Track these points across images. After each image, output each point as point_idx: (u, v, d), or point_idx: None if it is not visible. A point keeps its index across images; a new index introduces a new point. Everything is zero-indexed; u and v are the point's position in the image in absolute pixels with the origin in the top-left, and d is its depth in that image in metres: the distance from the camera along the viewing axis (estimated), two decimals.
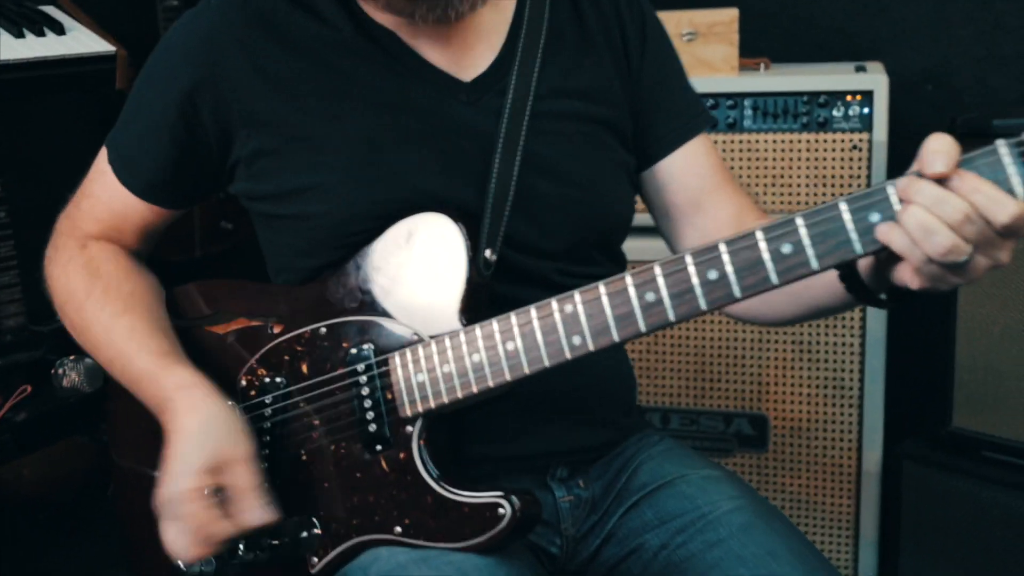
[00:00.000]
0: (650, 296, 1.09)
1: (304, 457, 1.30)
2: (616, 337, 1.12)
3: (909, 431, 2.22)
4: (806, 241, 1.03)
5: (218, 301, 1.39)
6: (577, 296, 1.13)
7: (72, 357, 1.82)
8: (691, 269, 1.07)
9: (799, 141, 2.25)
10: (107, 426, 1.48)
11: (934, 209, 0.96)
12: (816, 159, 2.25)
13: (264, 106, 1.28)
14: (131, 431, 1.43)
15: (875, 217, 1.00)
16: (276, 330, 1.32)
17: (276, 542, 1.26)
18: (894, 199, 0.99)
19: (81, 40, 1.83)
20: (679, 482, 1.33)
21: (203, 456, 1.19)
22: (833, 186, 2.23)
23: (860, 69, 2.33)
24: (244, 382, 1.33)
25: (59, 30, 1.84)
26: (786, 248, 1.03)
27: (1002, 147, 0.96)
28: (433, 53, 1.31)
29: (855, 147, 2.21)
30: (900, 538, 2.15)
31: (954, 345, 2.08)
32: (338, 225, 1.28)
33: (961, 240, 0.96)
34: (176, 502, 1.19)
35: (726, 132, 2.28)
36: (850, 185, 2.22)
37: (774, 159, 2.26)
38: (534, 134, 1.29)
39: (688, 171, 1.40)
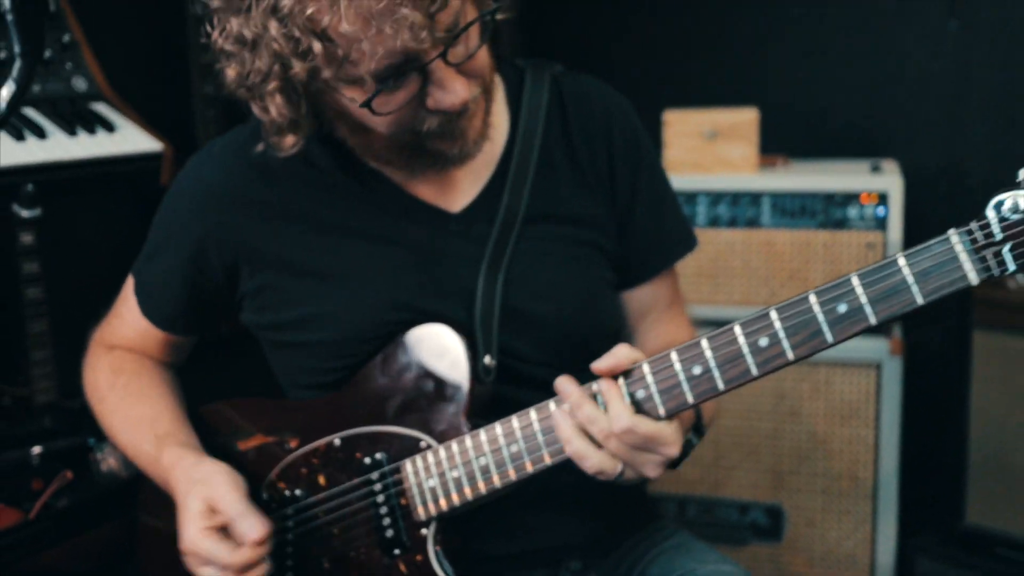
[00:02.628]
0: (640, 394, 1.17)
1: (327, 566, 1.35)
2: None
3: (923, 526, 2.26)
4: (781, 334, 1.10)
5: (242, 417, 1.47)
6: (554, 407, 1.20)
7: (110, 445, 1.88)
8: (677, 366, 1.15)
9: (815, 239, 2.31)
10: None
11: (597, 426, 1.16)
12: (832, 256, 2.31)
13: (266, 247, 1.37)
14: (155, 491, 1.51)
15: (843, 308, 1.08)
16: (292, 445, 1.39)
17: None
18: (859, 289, 1.08)
19: (129, 138, 1.92)
20: (691, 573, 1.38)
21: (197, 505, 1.28)
22: None
23: (876, 168, 2.41)
24: (266, 495, 1.39)
25: (109, 128, 1.93)
26: (763, 341, 1.10)
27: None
28: (423, 189, 1.38)
29: (869, 246, 2.28)
30: None
31: (967, 441, 2.13)
32: (340, 348, 1.36)
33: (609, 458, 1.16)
34: (194, 551, 1.27)
35: (745, 228, 2.35)
36: None
37: (791, 255, 2.33)
38: (523, 256, 1.36)
39: (652, 297, 1.49)
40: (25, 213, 1.82)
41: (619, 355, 1.16)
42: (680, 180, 2.32)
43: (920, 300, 1.06)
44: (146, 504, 1.53)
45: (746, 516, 2.37)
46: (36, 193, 1.82)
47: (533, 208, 1.38)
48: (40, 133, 1.84)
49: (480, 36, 1.22)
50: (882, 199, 2.28)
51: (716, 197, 2.37)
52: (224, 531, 1.28)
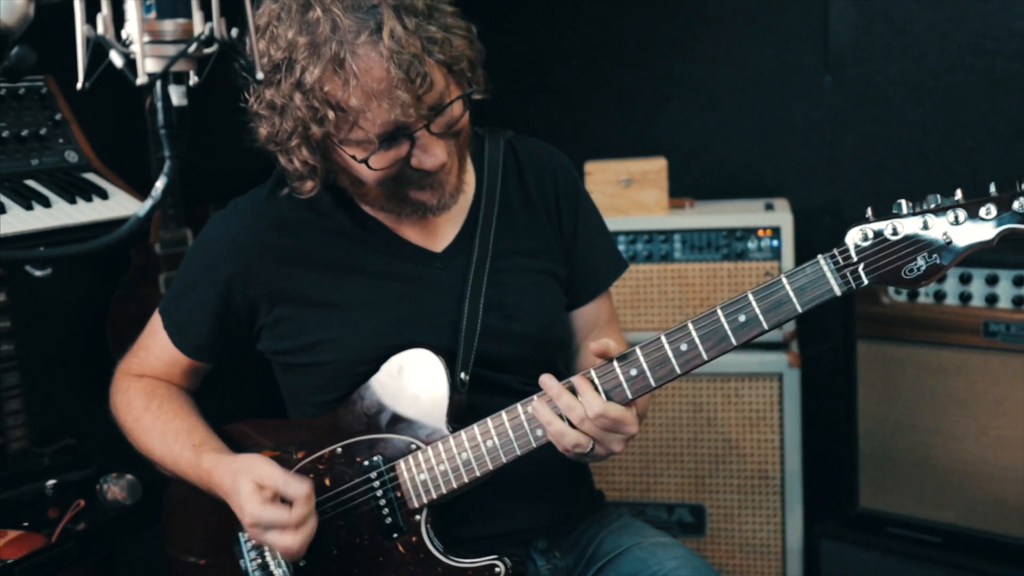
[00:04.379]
0: (610, 383, 1.47)
1: (335, 552, 1.63)
2: None
3: (824, 513, 2.59)
4: (697, 340, 1.44)
5: (252, 436, 1.74)
6: (535, 399, 1.52)
7: (114, 474, 2.11)
8: (618, 370, 1.47)
9: (721, 269, 2.66)
10: (164, 526, 1.80)
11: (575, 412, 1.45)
12: (735, 284, 2.66)
13: (283, 285, 1.67)
14: (181, 529, 1.76)
15: (742, 317, 1.43)
16: (299, 455, 1.67)
17: None
18: (754, 303, 1.42)
19: (123, 203, 2.16)
20: (634, 548, 1.69)
21: (247, 487, 1.54)
22: None
23: (769, 207, 2.77)
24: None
25: (103, 195, 2.17)
26: (683, 347, 1.44)
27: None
28: (411, 233, 1.70)
29: (767, 274, 2.63)
30: None
31: (857, 438, 2.47)
32: (346, 368, 1.65)
33: (581, 437, 1.44)
34: (257, 521, 1.52)
35: (660, 262, 2.69)
36: None
37: (701, 284, 2.67)
38: (495, 286, 1.68)
39: (594, 316, 1.83)
40: (37, 273, 2.05)
41: (607, 345, 1.46)
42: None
43: (799, 308, 1.40)
44: (170, 540, 1.78)
45: (673, 515, 2.68)
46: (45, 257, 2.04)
47: (499, 246, 1.70)
48: (45, 202, 2.08)
49: (461, 110, 1.54)
50: (776, 233, 2.64)
51: (634, 236, 2.71)
52: (275, 500, 1.53)
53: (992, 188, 1.35)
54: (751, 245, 2.65)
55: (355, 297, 1.66)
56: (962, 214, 1.35)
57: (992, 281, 2.27)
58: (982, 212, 1.34)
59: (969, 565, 2.31)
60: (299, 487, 1.53)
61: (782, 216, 2.66)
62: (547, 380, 1.49)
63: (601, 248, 1.84)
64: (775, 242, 2.64)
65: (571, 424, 1.47)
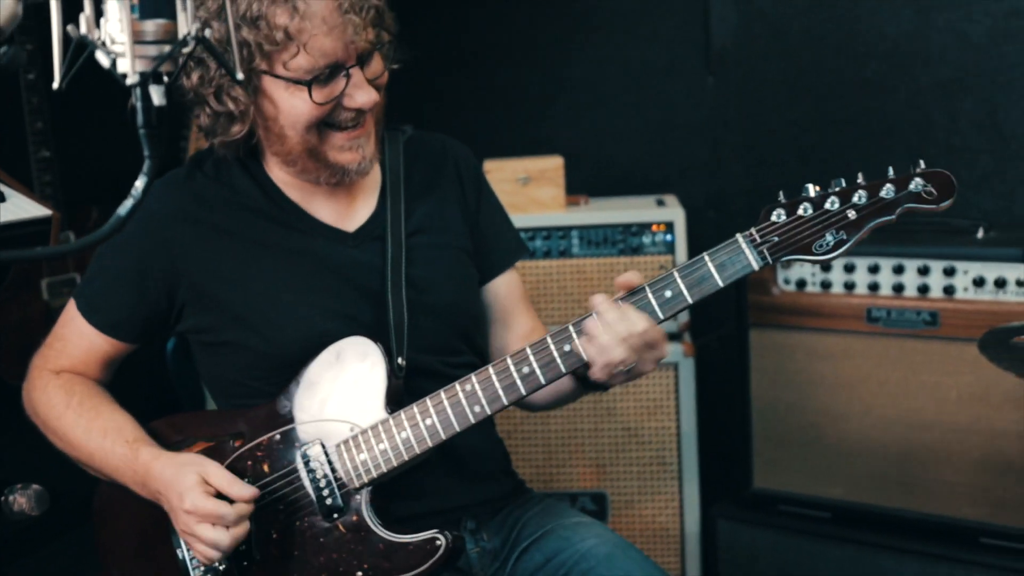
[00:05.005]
0: (525, 369, 1.56)
1: (275, 535, 1.64)
2: (505, 401, 1.58)
3: (720, 495, 2.71)
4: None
5: (184, 429, 1.74)
6: (473, 377, 1.59)
7: (20, 485, 2.04)
8: (552, 348, 1.55)
9: (617, 263, 2.75)
10: (95, 526, 1.77)
11: (617, 331, 1.48)
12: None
13: (201, 258, 1.70)
14: (114, 527, 1.75)
15: (668, 293, 1.52)
16: (237, 444, 1.67)
17: None
18: (679, 280, 1.51)
19: (22, 206, 2.09)
20: (557, 528, 1.76)
21: (191, 479, 1.55)
22: None
23: (660, 202, 2.87)
24: None
25: (1, 198, 2.10)
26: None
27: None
28: (323, 212, 1.76)
29: (662, 267, 2.73)
30: None
31: (750, 422, 2.59)
32: (274, 348, 1.68)
33: (630, 352, 1.48)
34: (195, 510, 1.53)
35: (559, 258, 2.76)
36: None
37: (599, 279, 2.75)
38: (416, 261, 1.75)
39: (503, 291, 1.90)
40: None
41: (631, 277, 1.54)
42: None
43: (721, 283, 1.50)
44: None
45: (576, 504, 2.75)
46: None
47: (409, 224, 1.77)
48: None
49: (382, 68, 1.68)
50: (669, 227, 2.74)
51: (532, 233, 2.77)
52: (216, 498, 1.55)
53: (891, 171, 1.49)
54: (646, 240, 2.74)
55: (273, 275, 1.71)
56: (865, 194, 1.47)
57: (874, 270, 2.41)
58: (882, 192, 1.47)
59: (856, 537, 2.45)
60: (244, 490, 1.57)
61: (674, 211, 2.76)
62: (596, 298, 1.54)
63: (504, 227, 1.95)
64: (668, 236, 2.74)
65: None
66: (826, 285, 2.47)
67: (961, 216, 2.50)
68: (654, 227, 2.74)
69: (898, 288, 2.39)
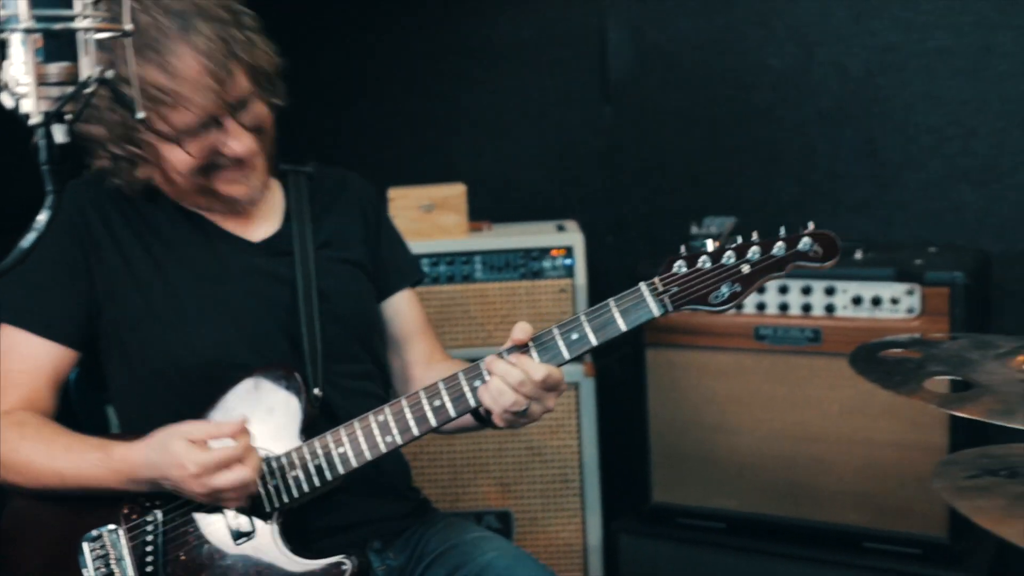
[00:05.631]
0: (436, 402, 1.65)
1: (183, 558, 1.67)
2: (416, 432, 1.65)
3: (621, 510, 2.80)
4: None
5: None
6: (387, 408, 1.66)
7: None
8: (464, 384, 1.63)
9: (519, 287, 2.83)
10: (4, 568, 1.77)
11: (505, 379, 1.58)
12: (533, 301, 2.83)
13: (109, 258, 1.78)
14: (20, 549, 1.75)
15: (575, 336, 1.62)
16: None
17: None
18: (585, 324, 1.60)
19: None
20: (459, 543, 1.83)
21: (180, 445, 1.58)
22: (547, 321, 2.80)
23: (561, 228, 2.97)
24: (126, 510, 1.69)
25: None
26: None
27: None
28: (227, 224, 1.86)
29: (562, 291, 2.82)
30: None
31: (648, 438, 2.69)
32: (176, 352, 1.75)
33: (520, 397, 1.58)
34: (205, 464, 1.56)
35: (462, 283, 2.83)
36: (562, 315, 2.81)
37: (501, 302, 2.83)
38: (324, 273, 1.85)
39: (402, 312, 2.01)
40: None
41: (526, 329, 1.61)
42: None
43: (624, 328, 1.59)
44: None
45: (482, 522, 2.81)
46: None
47: (316, 240, 1.87)
48: None
49: (264, 110, 1.76)
50: (569, 252, 2.84)
51: (436, 259, 2.84)
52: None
53: (782, 230, 1.61)
54: (546, 264, 2.83)
55: (178, 279, 1.79)
56: (758, 251, 1.59)
57: (761, 290, 2.54)
58: (774, 250, 1.60)
59: (749, 546, 2.56)
60: (230, 424, 1.61)
61: (574, 236, 2.86)
62: (490, 360, 1.62)
63: (402, 251, 2.07)
64: (568, 261, 2.83)
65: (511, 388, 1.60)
66: None
67: (842, 239, 2.64)
68: (554, 252, 2.83)
69: (783, 307, 2.52)
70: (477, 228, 2.96)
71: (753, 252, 1.59)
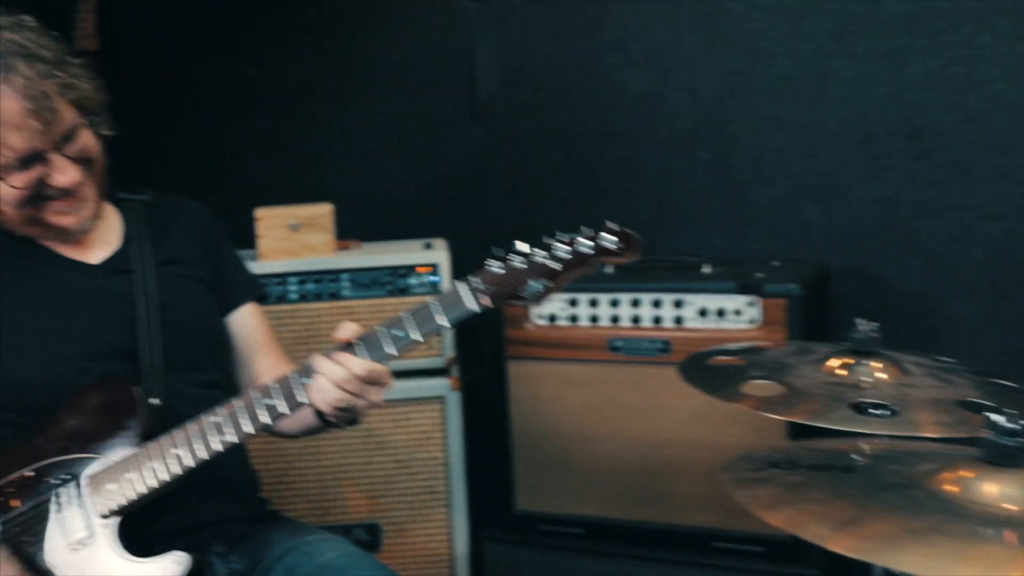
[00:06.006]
0: (268, 400, 1.72)
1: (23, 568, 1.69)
2: (250, 429, 1.72)
3: (487, 519, 2.87)
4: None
5: None
6: (220, 408, 1.73)
7: None
8: (293, 382, 1.71)
9: (386, 304, 2.89)
10: None
11: (330, 376, 1.67)
12: None
13: None
14: None
15: (400, 333, 1.71)
16: None
17: None
18: (408, 321, 1.70)
19: None
20: (301, 546, 1.90)
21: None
22: None
23: (428, 246, 3.04)
24: None
25: None
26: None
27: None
28: (63, 249, 1.90)
29: None
30: None
31: (512, 448, 2.77)
32: (17, 378, 1.77)
33: (345, 393, 1.68)
34: None
35: (329, 300, 2.88)
36: None
37: (369, 318, 2.88)
38: (167, 288, 1.91)
39: (247, 326, 2.09)
40: None
41: (351, 328, 1.71)
42: (273, 265, 2.82)
43: (446, 323, 1.67)
44: None
45: (351, 535, 2.86)
46: None
47: (157, 259, 1.93)
48: None
49: (92, 141, 1.82)
50: (435, 269, 2.91)
51: (304, 277, 2.88)
52: None
53: (583, 228, 1.73)
54: (413, 281, 2.90)
55: (18, 306, 1.81)
56: (566, 248, 1.69)
57: (615, 304, 2.65)
58: (581, 247, 1.72)
59: (608, 550, 2.66)
60: None
61: (439, 254, 2.93)
62: (315, 359, 1.71)
63: (241, 268, 2.15)
64: (434, 278, 2.91)
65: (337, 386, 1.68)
66: (574, 319, 2.70)
67: (696, 254, 2.79)
68: (420, 269, 2.90)
69: (636, 320, 2.63)
70: (345, 247, 3.02)
71: (562, 250, 1.70)
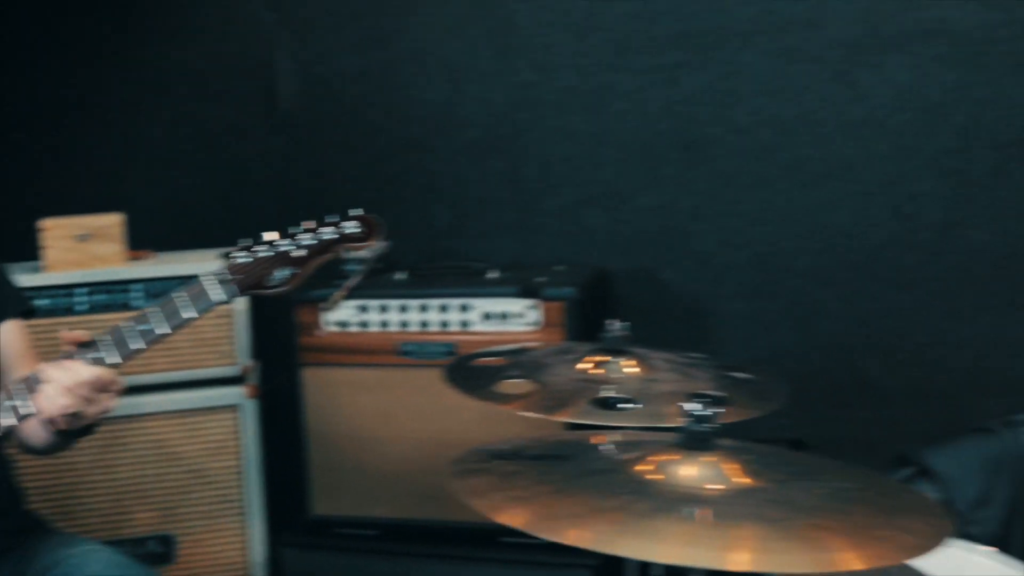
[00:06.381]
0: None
1: None
2: None
3: (284, 525, 2.90)
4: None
5: None
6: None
7: None
8: (17, 393, 1.73)
9: None
10: None
11: (59, 383, 1.69)
12: (195, 326, 2.80)
13: None
14: None
15: (146, 327, 1.78)
16: None
17: None
18: (155, 313, 1.76)
19: None
20: (67, 558, 1.90)
21: None
22: (208, 346, 2.87)
23: (226, 256, 3.04)
24: None
25: None
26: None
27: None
28: None
29: (223, 315, 2.90)
30: None
31: (308, 454, 2.81)
32: None
33: (73, 399, 1.70)
34: None
35: (119, 311, 2.85)
36: (223, 341, 2.88)
37: None
38: None
39: (5, 342, 2.04)
40: None
41: (79, 334, 1.70)
42: (61, 276, 2.78)
43: (195, 314, 1.71)
44: None
45: (143, 548, 2.83)
46: None
47: None
48: None
49: None
50: None
51: (94, 287, 2.84)
52: None
53: (326, 218, 1.82)
54: None
55: None
56: (310, 236, 1.75)
57: (403, 310, 2.72)
58: (323, 235, 1.80)
59: (400, 550, 2.73)
60: None
61: None
62: (42, 367, 1.70)
63: (6, 283, 2.11)
64: None
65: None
66: (364, 324, 2.76)
67: (486, 260, 2.89)
68: None
69: (424, 324, 2.71)
70: (137, 257, 2.99)
71: (306, 238, 1.76)
